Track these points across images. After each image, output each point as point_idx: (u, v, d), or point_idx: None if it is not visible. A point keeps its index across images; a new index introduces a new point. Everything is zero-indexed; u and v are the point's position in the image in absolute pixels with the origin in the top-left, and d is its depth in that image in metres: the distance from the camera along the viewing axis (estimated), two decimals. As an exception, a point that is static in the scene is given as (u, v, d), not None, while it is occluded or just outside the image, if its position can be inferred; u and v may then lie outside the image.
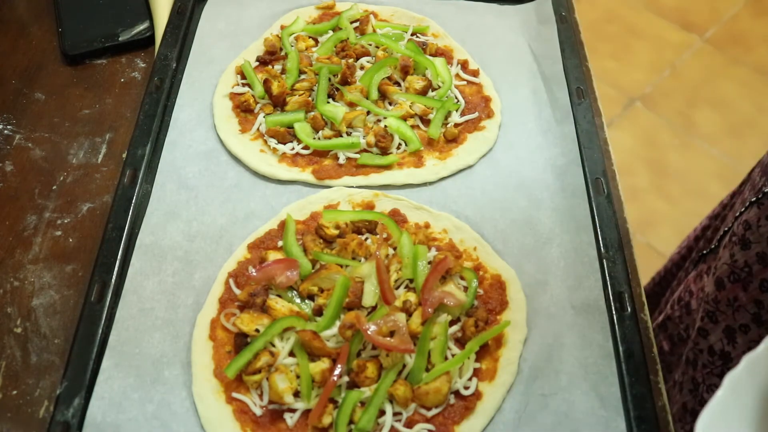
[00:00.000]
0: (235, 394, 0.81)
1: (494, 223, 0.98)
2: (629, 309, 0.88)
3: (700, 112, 2.76)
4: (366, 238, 0.94)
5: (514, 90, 1.14)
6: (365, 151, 1.04)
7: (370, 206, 0.99)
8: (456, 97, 1.11)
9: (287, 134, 1.05)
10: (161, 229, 0.95)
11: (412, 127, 1.07)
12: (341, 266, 0.89)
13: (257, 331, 0.83)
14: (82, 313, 0.85)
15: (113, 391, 0.81)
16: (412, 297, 0.86)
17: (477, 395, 0.82)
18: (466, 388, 0.82)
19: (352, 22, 1.20)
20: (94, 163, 1.07)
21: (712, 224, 1.26)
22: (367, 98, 1.08)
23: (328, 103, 1.08)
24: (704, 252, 1.11)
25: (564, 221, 0.97)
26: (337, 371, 0.79)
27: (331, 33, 1.19)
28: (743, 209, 0.98)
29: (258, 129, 1.06)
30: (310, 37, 1.19)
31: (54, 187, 1.04)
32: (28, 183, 1.04)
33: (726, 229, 1.03)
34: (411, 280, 0.89)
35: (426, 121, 1.08)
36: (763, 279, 0.91)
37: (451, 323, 0.86)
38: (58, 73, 1.19)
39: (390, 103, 1.10)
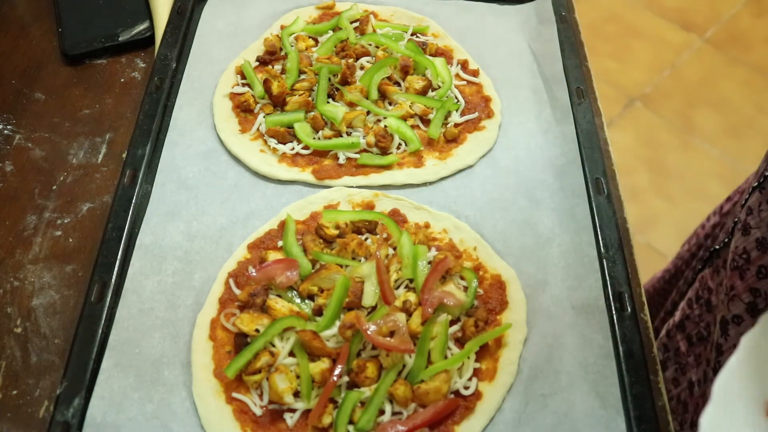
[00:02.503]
0: (235, 394, 0.81)
1: (494, 223, 0.98)
2: (629, 309, 0.88)
3: (700, 112, 2.76)
4: (366, 238, 0.94)
5: (514, 90, 1.14)
6: (365, 151, 1.04)
7: (370, 206, 0.99)
8: (456, 97, 1.11)
9: (287, 134, 1.05)
10: (161, 229, 0.95)
11: (412, 127, 1.07)
12: (341, 266, 0.89)
13: (257, 331, 0.83)
14: (82, 313, 0.86)
15: (113, 391, 0.81)
16: (412, 297, 0.86)
17: (477, 395, 0.82)
18: (466, 388, 0.82)
19: (352, 22, 1.20)
20: (94, 163, 1.07)
21: (722, 220, 1.22)
22: (367, 98, 1.08)
23: (328, 103, 1.08)
24: (717, 247, 1.07)
25: (564, 221, 0.97)
26: (337, 371, 0.79)
27: (331, 33, 1.19)
28: (747, 196, 0.96)
29: (258, 129, 1.06)
30: (310, 37, 1.19)
31: (54, 187, 1.04)
32: (28, 183, 1.04)
33: (735, 220, 1.00)
34: (411, 280, 0.89)
35: (426, 121, 1.08)
36: (761, 266, 0.88)
37: (451, 323, 0.86)
38: (58, 73, 1.19)
39: (390, 103, 1.10)
